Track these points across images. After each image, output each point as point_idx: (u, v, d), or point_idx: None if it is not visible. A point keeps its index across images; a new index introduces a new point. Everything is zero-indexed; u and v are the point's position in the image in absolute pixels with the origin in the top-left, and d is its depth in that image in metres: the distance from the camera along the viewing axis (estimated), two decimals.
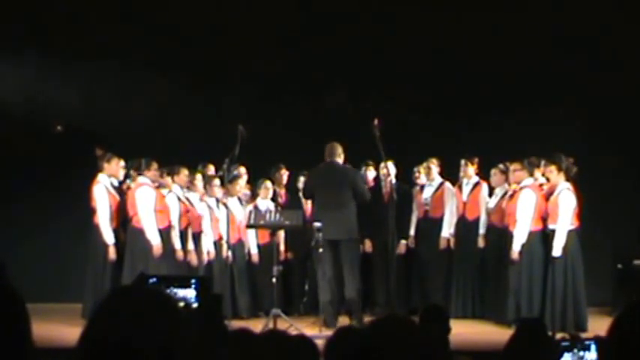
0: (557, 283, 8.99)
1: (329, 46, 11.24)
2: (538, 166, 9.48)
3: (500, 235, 9.56)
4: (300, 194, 10.26)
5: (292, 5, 11.25)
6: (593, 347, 3.69)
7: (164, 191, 9.44)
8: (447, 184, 10.34)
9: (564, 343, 3.78)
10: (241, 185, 10.22)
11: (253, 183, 10.41)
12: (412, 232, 10.31)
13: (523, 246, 9.14)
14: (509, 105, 11.11)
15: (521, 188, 9.32)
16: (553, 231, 9.07)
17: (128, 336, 1.78)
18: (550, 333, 4.33)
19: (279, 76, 11.43)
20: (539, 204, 9.20)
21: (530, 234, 9.16)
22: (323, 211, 9.18)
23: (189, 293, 4.45)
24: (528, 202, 9.19)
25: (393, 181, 9.77)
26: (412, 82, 11.27)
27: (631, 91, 10.82)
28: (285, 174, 10.61)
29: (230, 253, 9.59)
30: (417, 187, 10.45)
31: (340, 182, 9.27)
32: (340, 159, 9.43)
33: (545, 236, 9.19)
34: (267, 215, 9.26)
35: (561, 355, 3.74)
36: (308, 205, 10.22)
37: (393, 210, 9.38)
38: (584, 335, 3.96)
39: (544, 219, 9.25)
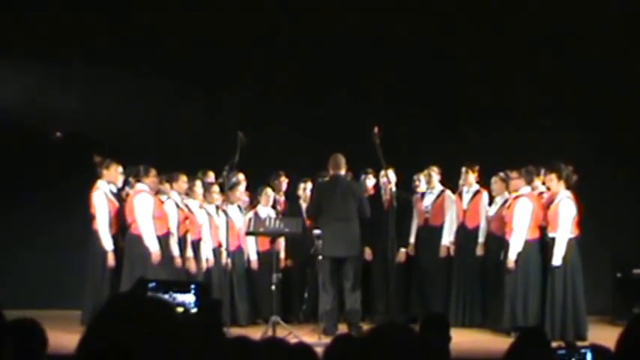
0: (556, 291, 8.99)
1: (329, 54, 11.25)
2: (537, 175, 9.49)
3: (500, 243, 9.56)
4: (303, 205, 10.26)
5: (292, 10, 11.26)
6: (589, 356, 3.69)
7: (163, 198, 9.44)
8: (448, 192, 10.33)
9: (560, 352, 3.78)
10: (241, 192, 10.22)
11: (252, 190, 10.40)
12: (412, 240, 10.30)
13: (520, 254, 9.14)
14: (510, 113, 11.12)
15: (517, 197, 9.32)
16: (553, 239, 9.07)
17: (127, 343, 1.78)
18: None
19: (279, 84, 11.45)
20: (535, 212, 9.21)
21: (527, 242, 9.17)
22: (328, 225, 9.17)
23: (189, 298, 4.44)
24: (524, 210, 9.20)
25: (393, 188, 9.77)
26: (412, 89, 11.28)
27: (632, 100, 10.83)
28: (284, 181, 10.61)
29: (229, 261, 9.57)
30: (418, 195, 10.45)
31: (346, 196, 9.25)
32: (344, 170, 9.42)
33: (542, 244, 9.19)
34: (267, 222, 9.25)
35: None
36: None
37: (393, 218, 9.38)
38: (581, 344, 3.95)
39: (541, 227, 9.25)
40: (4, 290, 10.58)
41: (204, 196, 9.90)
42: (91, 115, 11.39)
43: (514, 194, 9.44)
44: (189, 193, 9.73)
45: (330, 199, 9.24)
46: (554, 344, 4.10)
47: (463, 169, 10.28)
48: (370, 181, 10.36)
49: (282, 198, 10.64)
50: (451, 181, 10.43)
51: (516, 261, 9.14)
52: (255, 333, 7.83)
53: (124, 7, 11.40)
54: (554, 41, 10.99)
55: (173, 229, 9.35)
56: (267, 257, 9.81)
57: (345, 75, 11.33)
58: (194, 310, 4.37)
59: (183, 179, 9.63)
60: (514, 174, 9.48)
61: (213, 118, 11.35)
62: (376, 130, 9.07)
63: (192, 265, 9.49)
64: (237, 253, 9.97)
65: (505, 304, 9.19)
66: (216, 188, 9.98)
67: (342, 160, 9.37)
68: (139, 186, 9.31)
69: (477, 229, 10.08)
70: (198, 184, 9.83)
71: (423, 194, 10.42)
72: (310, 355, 3.32)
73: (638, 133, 10.88)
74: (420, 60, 11.21)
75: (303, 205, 10.34)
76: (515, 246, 9.16)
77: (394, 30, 11.18)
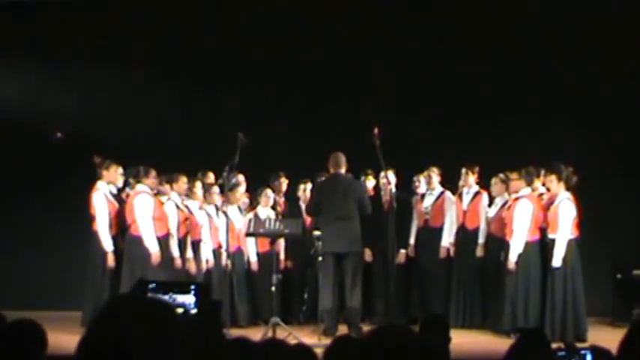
0: (556, 293, 8.99)
1: (329, 55, 11.25)
2: (537, 176, 9.49)
3: (500, 244, 9.56)
4: (303, 207, 10.25)
5: (293, 10, 11.26)
6: (589, 357, 3.69)
7: (163, 199, 9.43)
8: (448, 193, 10.33)
9: (560, 353, 3.78)
10: (241, 193, 10.22)
11: (252, 191, 10.40)
12: (412, 241, 10.29)
13: (520, 256, 9.14)
14: (511, 114, 11.13)
15: (517, 198, 9.32)
16: (553, 240, 9.07)
17: (127, 344, 1.78)
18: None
19: (280, 85, 11.45)
20: (535, 214, 9.21)
21: (527, 244, 9.16)
22: (328, 223, 9.18)
23: (189, 299, 4.45)
24: (524, 212, 9.19)
25: (393, 190, 9.76)
26: (413, 90, 11.28)
27: (632, 100, 10.83)
28: (284, 182, 10.60)
29: (229, 262, 9.57)
30: (418, 196, 10.44)
31: (346, 194, 9.24)
32: (344, 169, 9.43)
33: (542, 246, 9.19)
34: (267, 223, 9.24)
35: None
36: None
37: (392, 219, 9.38)
38: (581, 345, 3.94)
39: (542, 229, 9.25)
40: (4, 291, 10.60)
41: (205, 197, 9.90)
42: (91, 115, 11.41)
43: (514, 195, 9.43)
44: (189, 194, 9.72)
45: (330, 197, 9.24)
46: (554, 345, 4.10)
47: (463, 171, 10.27)
48: (370, 183, 10.35)
49: (282, 199, 10.63)
50: (451, 183, 10.42)
51: (517, 262, 9.14)
52: (255, 334, 7.83)
53: (124, 7, 11.41)
54: (554, 42, 10.99)
55: (173, 230, 9.35)
56: (267, 258, 9.80)
57: (345, 76, 11.32)
58: (194, 311, 4.37)
59: (183, 180, 9.62)
60: (514, 175, 9.48)
61: (213, 119, 11.35)
62: (376, 131, 9.06)
63: (192, 266, 9.48)
64: (237, 254, 9.97)
65: (506, 305, 9.19)
66: (216, 189, 9.97)
67: (343, 159, 9.36)
68: (139, 187, 9.31)
69: (476, 230, 10.07)
70: (199, 185, 9.82)
71: (422, 195, 10.41)
72: (310, 356, 3.32)
73: (638, 134, 10.88)
74: (420, 61, 11.20)
75: (303, 206, 10.34)
76: (516, 247, 9.15)
77: (394, 31, 11.18)
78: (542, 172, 9.48)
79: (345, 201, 9.20)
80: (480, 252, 9.99)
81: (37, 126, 11.35)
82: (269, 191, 10.31)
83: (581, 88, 10.88)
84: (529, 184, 9.41)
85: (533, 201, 9.29)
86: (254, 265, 10.18)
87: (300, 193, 10.51)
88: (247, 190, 10.36)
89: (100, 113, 11.39)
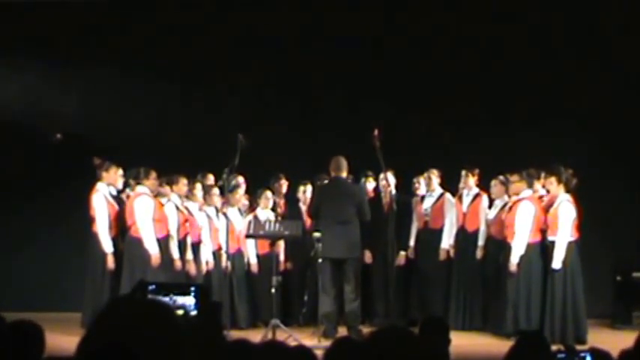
0: (556, 294, 8.98)
1: (329, 56, 11.24)
2: (538, 178, 9.49)
3: (500, 246, 9.55)
4: (303, 208, 10.25)
5: (292, 11, 11.25)
6: (588, 359, 3.69)
7: (163, 200, 9.43)
8: (448, 195, 10.32)
9: (560, 355, 3.77)
10: (241, 195, 10.21)
11: (252, 193, 10.40)
12: (412, 242, 10.28)
13: (521, 258, 9.13)
14: (511, 116, 11.12)
15: (519, 200, 9.31)
16: (553, 242, 9.06)
17: (127, 345, 1.78)
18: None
19: (280, 85, 11.44)
20: (537, 216, 9.20)
21: (529, 246, 9.15)
22: (328, 227, 9.17)
23: (189, 300, 4.44)
24: (526, 213, 9.18)
25: (393, 191, 9.76)
26: (413, 92, 11.28)
27: (633, 103, 10.83)
28: (284, 184, 10.59)
29: (229, 263, 9.56)
30: (417, 198, 10.43)
31: (346, 198, 9.24)
32: (345, 173, 9.42)
33: (543, 248, 9.18)
34: (267, 225, 9.24)
35: None
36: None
37: (392, 221, 9.37)
38: (581, 347, 3.95)
39: (542, 230, 9.24)
40: (4, 292, 10.59)
41: (204, 198, 9.89)
42: (91, 115, 11.40)
43: (515, 197, 9.42)
44: (189, 195, 9.72)
45: (330, 201, 9.24)
46: (553, 348, 4.10)
47: (463, 172, 10.26)
48: (370, 184, 10.35)
49: (282, 201, 10.62)
50: (451, 184, 10.41)
51: (518, 264, 9.13)
52: (255, 336, 7.84)
53: (124, 7, 11.41)
54: (553, 43, 10.98)
55: (173, 232, 9.34)
56: (266, 260, 9.79)
57: (345, 77, 11.32)
58: (194, 313, 4.36)
59: (183, 182, 9.61)
60: (514, 177, 9.46)
61: (213, 120, 11.35)
62: (376, 132, 9.05)
63: (192, 268, 9.48)
64: (237, 256, 9.96)
65: (507, 307, 9.17)
66: (216, 191, 9.97)
67: (344, 163, 9.35)
68: (139, 188, 9.30)
69: (476, 232, 10.06)
70: (199, 186, 9.82)
71: (422, 197, 10.40)
72: (310, 357, 3.32)
73: (637, 135, 10.87)
74: (420, 62, 11.20)
75: (303, 208, 10.33)
76: (518, 249, 9.15)
77: (394, 31, 11.18)
78: (542, 174, 9.48)
79: (345, 205, 9.20)
80: (479, 254, 9.98)
81: (37, 126, 11.34)
82: (269, 193, 10.30)
83: (581, 88, 10.88)
84: (530, 185, 9.40)
85: (534, 203, 9.29)
86: (254, 267, 10.17)
87: (300, 195, 10.50)
88: (247, 191, 10.35)
89: (100, 113, 11.38)
